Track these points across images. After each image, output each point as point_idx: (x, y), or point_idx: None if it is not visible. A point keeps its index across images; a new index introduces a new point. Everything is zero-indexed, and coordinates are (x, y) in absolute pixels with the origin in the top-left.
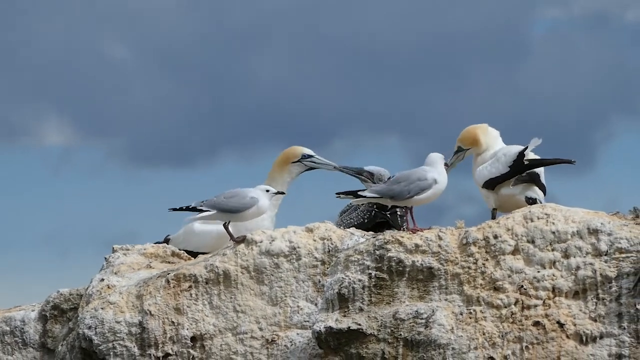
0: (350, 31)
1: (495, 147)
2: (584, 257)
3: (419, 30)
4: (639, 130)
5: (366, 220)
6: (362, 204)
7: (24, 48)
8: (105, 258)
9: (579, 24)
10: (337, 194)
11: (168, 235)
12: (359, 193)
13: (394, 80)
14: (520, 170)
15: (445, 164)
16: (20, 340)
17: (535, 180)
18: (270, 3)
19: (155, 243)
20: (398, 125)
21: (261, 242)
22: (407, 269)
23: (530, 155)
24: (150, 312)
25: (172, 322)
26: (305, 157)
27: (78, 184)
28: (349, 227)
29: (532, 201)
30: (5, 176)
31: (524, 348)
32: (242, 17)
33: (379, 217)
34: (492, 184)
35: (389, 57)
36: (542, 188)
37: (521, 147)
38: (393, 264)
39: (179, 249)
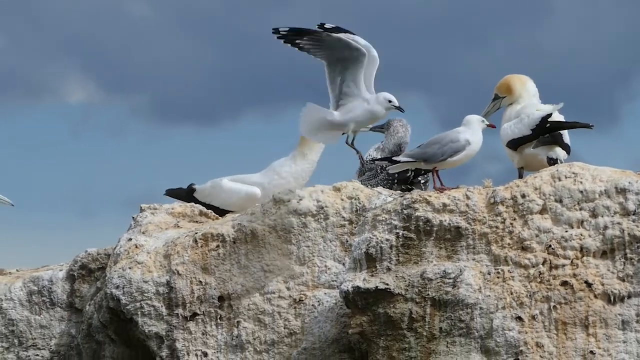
0: None
1: (527, 103)
2: (612, 216)
3: None
4: None
5: None
6: (381, 171)
7: (45, 7)
8: (133, 217)
9: None
10: (372, 159)
11: (193, 184)
12: (393, 158)
13: (416, 39)
14: (542, 133)
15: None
16: (48, 300)
17: (558, 141)
18: None
19: (178, 188)
20: (421, 83)
21: (289, 201)
22: (435, 229)
23: (554, 115)
24: (177, 271)
25: (200, 281)
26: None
27: (100, 142)
28: None
29: (553, 161)
30: (28, 134)
31: (551, 308)
32: None
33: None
34: (515, 145)
35: (411, 15)
36: (566, 148)
37: (544, 113)
38: (421, 223)
39: (203, 203)
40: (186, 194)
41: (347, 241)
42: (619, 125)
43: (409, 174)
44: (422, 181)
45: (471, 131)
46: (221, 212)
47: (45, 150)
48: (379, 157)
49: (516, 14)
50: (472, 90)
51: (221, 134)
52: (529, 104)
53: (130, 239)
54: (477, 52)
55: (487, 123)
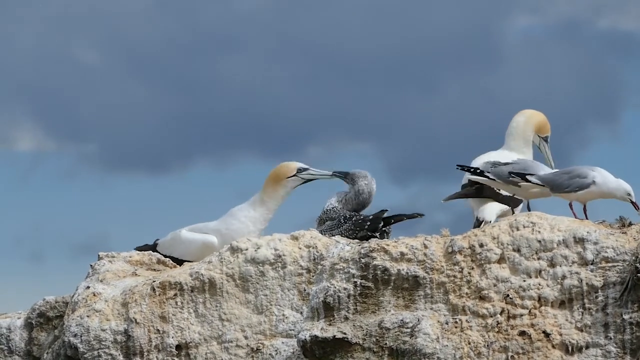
0: (324, 36)
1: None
2: (570, 266)
3: (391, 36)
4: (614, 137)
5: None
6: (345, 222)
7: None
8: (91, 265)
9: (552, 31)
10: (511, 173)
11: (157, 240)
12: (527, 177)
13: (367, 86)
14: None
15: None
16: (6, 348)
17: (492, 197)
18: (243, 6)
19: (144, 245)
20: (372, 131)
21: (246, 249)
22: (393, 278)
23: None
24: (135, 320)
25: (158, 330)
26: (301, 170)
27: (50, 188)
28: None
29: (478, 223)
30: None
31: (509, 358)
32: (213, 20)
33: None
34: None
35: (362, 63)
36: (505, 201)
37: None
38: (378, 272)
39: (165, 255)
40: (152, 249)
41: (304, 290)
42: None
43: (380, 225)
44: (387, 231)
45: (603, 174)
46: (182, 263)
47: None
48: (339, 206)
49: (467, 62)
50: (423, 137)
51: (172, 180)
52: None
53: (88, 287)
54: (427, 99)
55: (632, 199)
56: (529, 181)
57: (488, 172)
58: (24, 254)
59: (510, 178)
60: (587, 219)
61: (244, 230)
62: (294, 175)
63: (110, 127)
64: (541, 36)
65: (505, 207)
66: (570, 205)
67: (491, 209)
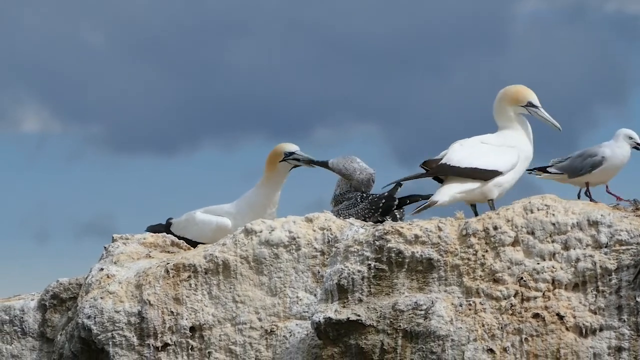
0: (331, 20)
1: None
2: (584, 249)
3: (399, 20)
4: (621, 118)
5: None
6: (361, 200)
7: (0, 35)
8: (105, 247)
9: (559, 15)
10: (528, 170)
11: (170, 219)
12: (547, 169)
13: (374, 70)
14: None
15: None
16: (20, 330)
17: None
18: None
19: (157, 224)
20: (379, 114)
21: (261, 232)
22: (407, 260)
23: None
24: (149, 301)
25: (171, 312)
26: (287, 155)
27: (56, 170)
28: None
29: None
30: None
31: (523, 340)
32: (221, 4)
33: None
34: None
35: (370, 47)
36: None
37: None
38: (392, 254)
39: (178, 236)
40: (165, 229)
41: (319, 272)
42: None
43: (395, 203)
44: (399, 217)
45: (613, 146)
46: (195, 245)
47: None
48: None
49: (474, 46)
50: (429, 121)
51: (179, 163)
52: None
53: (102, 269)
54: (434, 83)
55: (637, 142)
56: (549, 172)
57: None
58: (29, 235)
59: (534, 173)
60: (618, 197)
61: (255, 213)
62: (283, 160)
63: (116, 109)
64: (548, 20)
65: (469, 186)
66: (588, 189)
67: (446, 190)
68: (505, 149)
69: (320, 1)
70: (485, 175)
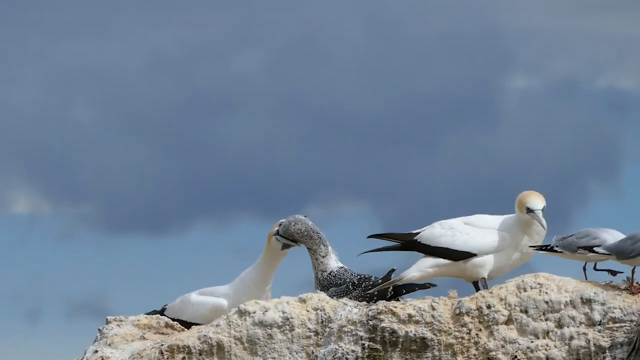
0: (320, 96)
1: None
2: (578, 327)
3: (389, 96)
4: (614, 196)
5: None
6: (353, 288)
7: None
8: (99, 329)
9: (550, 90)
10: (578, 247)
11: (165, 305)
12: (594, 249)
13: (365, 147)
14: None
15: None
16: None
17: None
18: (239, 67)
19: (152, 311)
20: (370, 191)
21: (254, 312)
22: (401, 339)
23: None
24: None
25: None
26: (277, 232)
27: (48, 250)
28: None
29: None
30: None
31: None
32: (210, 81)
33: None
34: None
35: (360, 124)
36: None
37: None
38: (386, 334)
39: (173, 319)
40: (161, 314)
41: (313, 352)
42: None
43: (388, 295)
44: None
45: None
46: (189, 327)
47: None
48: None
49: (465, 121)
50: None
51: (171, 242)
52: None
53: (97, 351)
54: (425, 159)
55: None
56: (597, 252)
57: (556, 246)
58: (21, 314)
59: (578, 252)
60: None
61: (250, 294)
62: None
63: (107, 189)
64: (539, 95)
65: (441, 261)
66: (633, 270)
67: (417, 265)
68: (489, 232)
69: (309, 78)
70: (455, 255)
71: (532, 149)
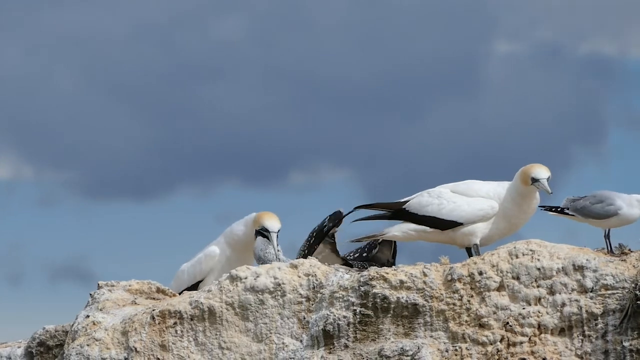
0: (306, 65)
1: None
2: (570, 293)
3: (374, 64)
4: (598, 160)
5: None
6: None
7: None
8: (91, 294)
9: (533, 56)
10: (543, 208)
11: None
12: (565, 210)
13: (349, 114)
14: None
15: None
16: None
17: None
18: (223, 34)
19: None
20: (355, 158)
21: (246, 278)
22: (392, 305)
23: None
24: (135, 348)
25: (158, 358)
26: (259, 232)
27: (29, 214)
28: None
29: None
30: None
31: None
32: (194, 48)
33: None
34: None
35: (344, 92)
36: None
37: None
38: (378, 300)
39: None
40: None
41: (304, 318)
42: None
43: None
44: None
45: (632, 200)
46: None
47: None
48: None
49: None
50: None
51: (154, 207)
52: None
53: (88, 316)
54: (410, 127)
55: None
56: (567, 214)
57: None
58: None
59: (549, 213)
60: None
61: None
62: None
63: (90, 155)
64: (523, 61)
65: (427, 228)
66: (606, 232)
67: (401, 226)
68: (477, 200)
69: (294, 46)
70: (441, 224)
71: (515, 114)
